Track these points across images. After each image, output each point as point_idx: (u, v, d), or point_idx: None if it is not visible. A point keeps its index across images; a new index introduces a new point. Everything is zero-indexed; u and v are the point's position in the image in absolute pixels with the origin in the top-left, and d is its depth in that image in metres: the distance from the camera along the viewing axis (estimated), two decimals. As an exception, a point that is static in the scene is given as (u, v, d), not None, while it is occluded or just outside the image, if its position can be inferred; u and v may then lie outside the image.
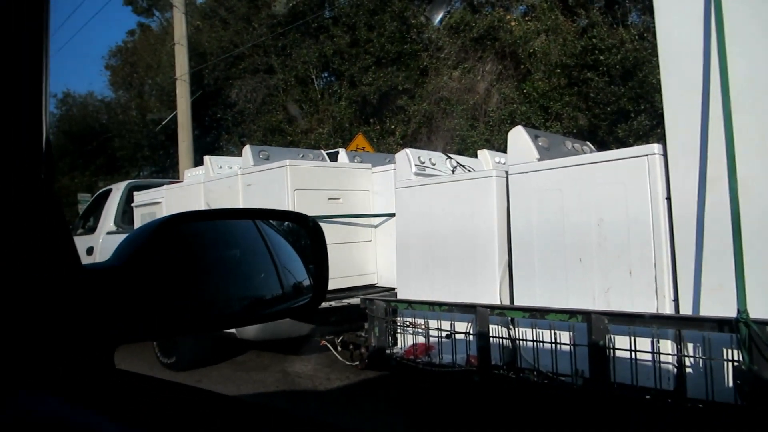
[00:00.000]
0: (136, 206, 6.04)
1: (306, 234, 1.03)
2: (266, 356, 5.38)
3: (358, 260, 4.75)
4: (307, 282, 1.11)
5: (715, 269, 2.39)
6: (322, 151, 6.05)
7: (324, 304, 4.26)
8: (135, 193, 6.20)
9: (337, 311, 4.34)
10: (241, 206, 4.72)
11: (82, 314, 0.64)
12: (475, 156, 5.05)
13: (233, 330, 4.34)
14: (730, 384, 2.25)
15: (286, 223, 1.24)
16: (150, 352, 5.21)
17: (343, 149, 6.46)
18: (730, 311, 2.17)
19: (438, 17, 11.11)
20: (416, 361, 3.36)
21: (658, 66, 2.67)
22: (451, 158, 4.30)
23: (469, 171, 4.20)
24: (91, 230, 6.37)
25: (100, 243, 6.00)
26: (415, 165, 3.94)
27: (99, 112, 16.98)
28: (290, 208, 4.33)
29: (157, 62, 15.15)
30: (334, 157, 5.80)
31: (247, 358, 5.39)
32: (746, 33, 2.33)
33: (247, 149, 5.10)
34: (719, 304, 2.33)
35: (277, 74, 13.03)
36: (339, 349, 4.47)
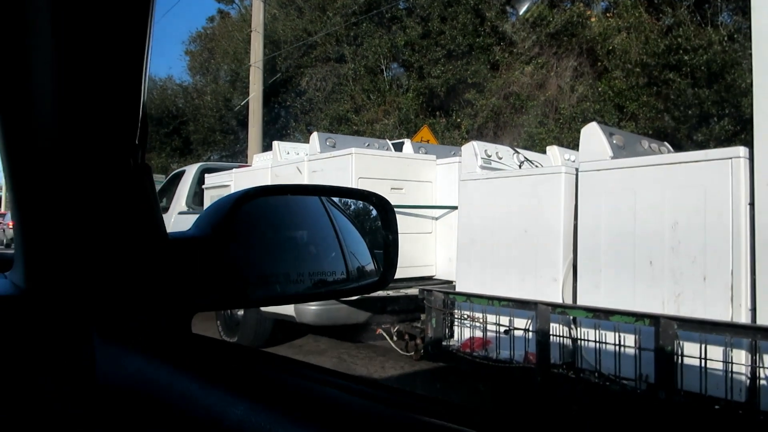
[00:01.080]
0: (207, 188, 6.27)
1: (379, 215, 1.05)
2: (323, 341, 5.49)
3: (418, 251, 4.75)
4: (371, 266, 1.13)
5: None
6: (387, 141, 6.07)
7: (381, 293, 4.30)
8: (206, 175, 6.44)
9: (394, 301, 4.37)
10: (308, 191, 4.80)
11: (165, 280, 0.67)
12: (543, 153, 4.93)
13: (293, 313, 4.45)
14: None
15: (353, 206, 1.26)
16: (214, 330, 5.42)
17: (409, 140, 6.47)
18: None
19: (523, 8, 10.84)
20: (473, 354, 3.34)
21: (747, 69, 2.52)
22: (518, 153, 4.23)
23: (537, 167, 4.11)
24: (164, 210, 6.66)
25: (172, 222, 6.28)
26: (482, 158, 3.90)
27: (176, 96, 17.70)
28: (355, 196, 4.36)
29: (234, 49, 15.63)
30: (399, 148, 5.82)
31: (305, 341, 5.51)
32: None
33: (314, 136, 5.20)
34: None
35: (348, 63, 13.16)
36: (394, 338, 4.51)
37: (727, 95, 8.09)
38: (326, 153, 4.93)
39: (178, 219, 6.27)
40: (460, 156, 4.26)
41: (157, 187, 7.98)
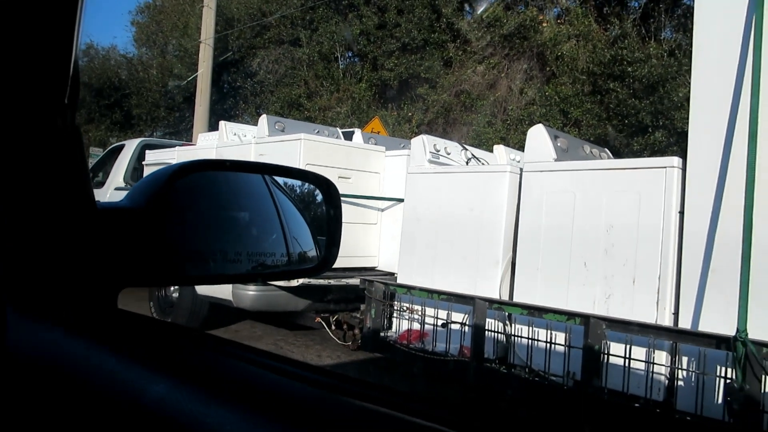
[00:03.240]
0: (147, 164, 6.05)
1: (322, 194, 1.03)
2: (260, 327, 5.41)
3: (362, 242, 4.75)
4: (313, 252, 1.11)
5: (719, 287, 2.38)
6: (338, 129, 6.04)
7: (323, 282, 4.28)
8: (147, 151, 6.21)
9: (335, 290, 4.35)
10: (252, 175, 4.73)
11: (91, 252, 0.63)
12: (490, 152, 5.02)
13: (230, 297, 4.36)
14: (720, 400, 2.25)
15: (298, 190, 1.23)
16: (146, 310, 5.25)
17: (359, 130, 6.45)
18: (728, 329, 2.16)
19: (481, 8, 10.99)
20: (409, 346, 3.37)
21: (682, 83, 2.63)
22: (466, 149, 4.28)
23: (484, 164, 4.18)
24: (100, 185, 6.39)
25: (108, 197, 6.03)
26: (430, 152, 3.93)
27: (120, 68, 16.94)
28: (300, 183, 4.32)
29: (184, 23, 15.09)
30: (349, 137, 5.79)
31: (241, 327, 5.42)
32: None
33: (263, 119, 5.10)
34: (718, 321, 2.32)
35: (303, 48, 12.97)
36: (333, 327, 4.49)
37: (662, 107, 8.49)
38: (274, 137, 4.85)
39: (114, 194, 6.03)
40: (409, 149, 4.28)
41: (94, 161, 7.63)
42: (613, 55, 9.33)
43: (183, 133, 14.21)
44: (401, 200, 4.16)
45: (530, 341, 2.89)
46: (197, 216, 0.94)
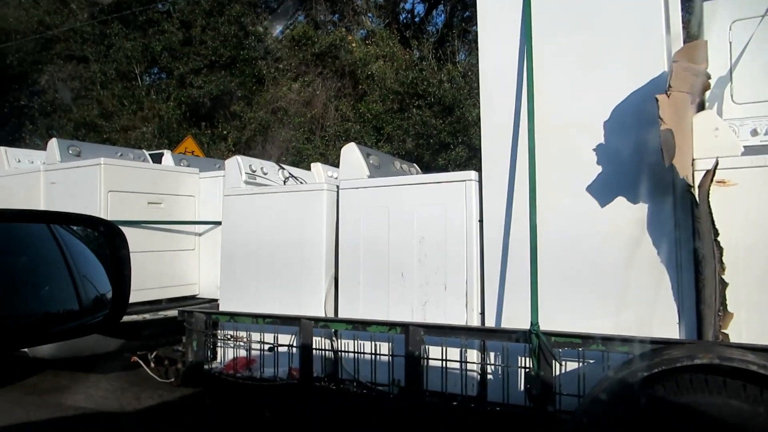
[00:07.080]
0: None
1: (107, 244, 0.94)
2: (65, 377, 4.79)
3: (179, 270, 4.47)
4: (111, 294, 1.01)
5: (515, 286, 2.67)
6: (144, 151, 5.63)
7: (137, 317, 3.92)
8: None
9: (151, 324, 4.02)
10: (42, 207, 4.20)
11: None
12: (309, 169, 5.07)
13: (24, 348, 3.80)
14: (522, 388, 2.51)
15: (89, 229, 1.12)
16: None
17: (169, 151, 6.08)
18: (526, 324, 2.43)
19: (278, 29, 11.07)
20: (236, 375, 3.23)
21: (475, 104, 2.91)
22: (283, 168, 4.27)
23: (301, 183, 4.20)
24: None
25: None
26: (246, 173, 3.84)
27: None
28: (102, 211, 3.95)
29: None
30: (158, 159, 5.43)
31: (41, 379, 4.75)
32: (552, 83, 2.66)
33: (53, 142, 4.56)
34: (517, 318, 2.60)
35: (93, 65, 11.86)
36: (152, 365, 4.13)
37: (459, 126, 9.35)
38: (69, 162, 4.35)
39: None
40: (225, 170, 4.14)
41: None
42: (414, 76, 10.05)
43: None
44: (219, 223, 3.99)
45: (356, 354, 2.96)
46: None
